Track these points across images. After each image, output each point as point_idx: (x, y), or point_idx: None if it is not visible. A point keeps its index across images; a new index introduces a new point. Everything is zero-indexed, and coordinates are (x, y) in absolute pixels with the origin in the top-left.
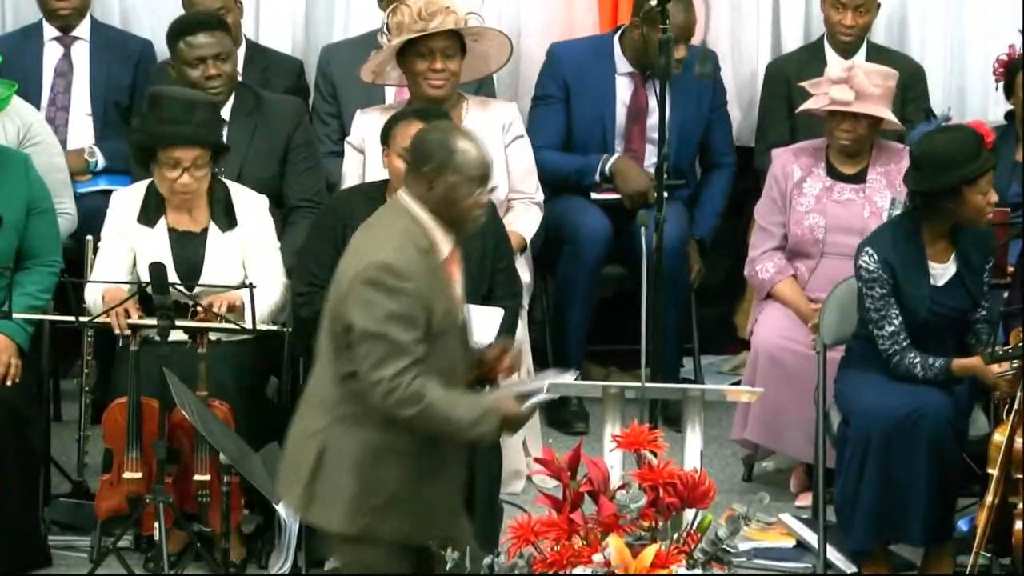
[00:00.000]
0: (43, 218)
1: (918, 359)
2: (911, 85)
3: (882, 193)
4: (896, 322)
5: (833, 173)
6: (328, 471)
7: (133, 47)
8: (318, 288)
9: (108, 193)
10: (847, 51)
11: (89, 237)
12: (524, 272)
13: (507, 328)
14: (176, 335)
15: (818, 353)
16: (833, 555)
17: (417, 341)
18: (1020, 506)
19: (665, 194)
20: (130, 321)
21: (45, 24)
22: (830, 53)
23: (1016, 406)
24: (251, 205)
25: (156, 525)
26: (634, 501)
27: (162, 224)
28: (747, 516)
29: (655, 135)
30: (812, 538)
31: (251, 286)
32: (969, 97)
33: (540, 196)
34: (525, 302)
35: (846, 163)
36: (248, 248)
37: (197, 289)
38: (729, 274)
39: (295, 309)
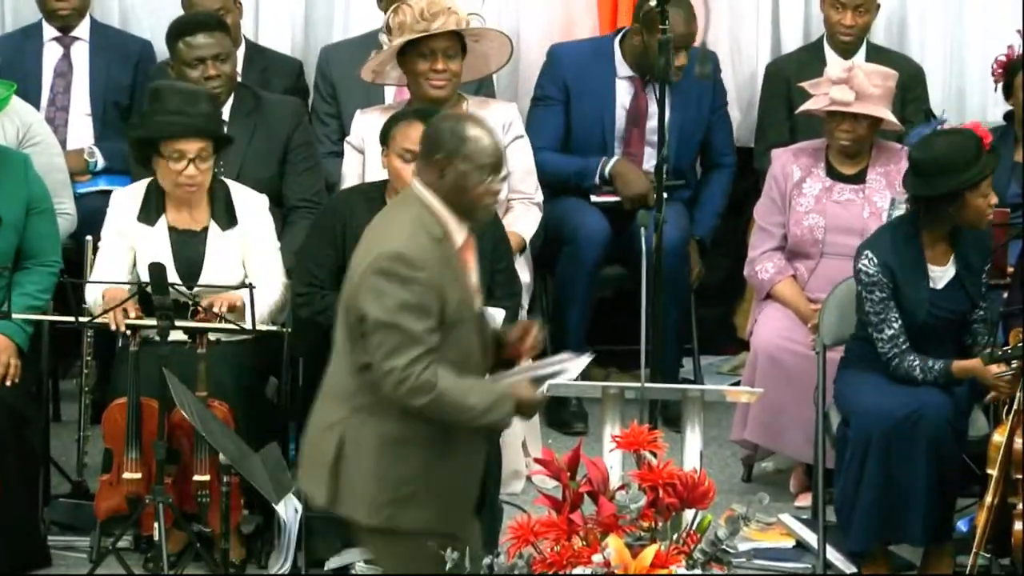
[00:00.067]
0: (42, 218)
1: (917, 362)
2: (911, 86)
3: (882, 193)
4: (896, 325)
5: (833, 173)
6: (348, 463)
7: (133, 47)
8: (317, 288)
9: (108, 193)
10: (847, 51)
11: (89, 237)
12: (523, 272)
13: None
14: (176, 335)
15: (818, 353)
16: (833, 555)
17: (430, 330)
18: (1019, 506)
19: (665, 195)
20: (129, 321)
21: (45, 24)
22: (830, 53)
23: (1015, 406)
24: (251, 204)
25: (156, 525)
26: (634, 501)
27: (162, 223)
28: (747, 516)
29: (654, 138)
30: (812, 538)
31: (250, 286)
32: (968, 98)
33: (540, 196)
34: (524, 302)
35: (846, 163)
36: (248, 247)
37: (197, 289)
38: (729, 274)
39: (294, 309)
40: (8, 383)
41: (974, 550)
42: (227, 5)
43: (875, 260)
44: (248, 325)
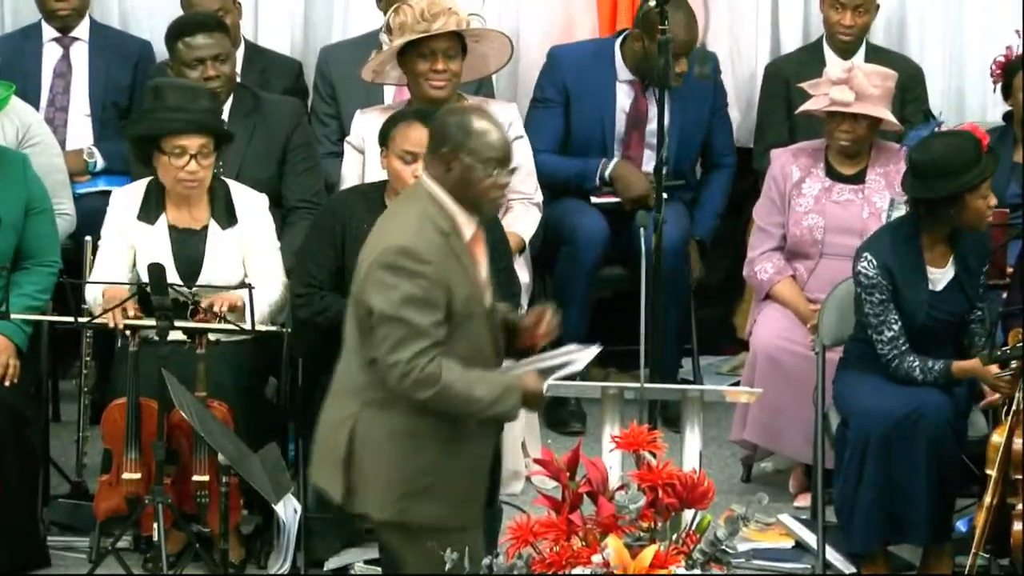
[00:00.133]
0: (41, 218)
1: (917, 363)
2: (910, 86)
3: (881, 194)
4: (895, 327)
5: (832, 174)
6: (360, 458)
7: (132, 48)
8: (316, 289)
9: (107, 194)
10: (846, 52)
11: (88, 237)
12: (523, 273)
13: None
14: (175, 335)
15: (817, 354)
16: (832, 556)
17: (436, 324)
18: (1019, 507)
19: (665, 195)
20: (129, 321)
21: (44, 25)
22: (829, 54)
23: (1015, 407)
24: (251, 204)
25: (155, 526)
26: (633, 502)
27: (162, 221)
28: (746, 517)
29: (654, 141)
30: (811, 539)
31: (250, 287)
32: (968, 98)
33: (539, 197)
34: (524, 303)
35: (845, 164)
36: (248, 246)
37: (196, 288)
38: (728, 275)
39: (293, 310)
40: (7, 383)
41: (973, 550)
42: (226, 6)
43: (874, 262)
44: (248, 325)
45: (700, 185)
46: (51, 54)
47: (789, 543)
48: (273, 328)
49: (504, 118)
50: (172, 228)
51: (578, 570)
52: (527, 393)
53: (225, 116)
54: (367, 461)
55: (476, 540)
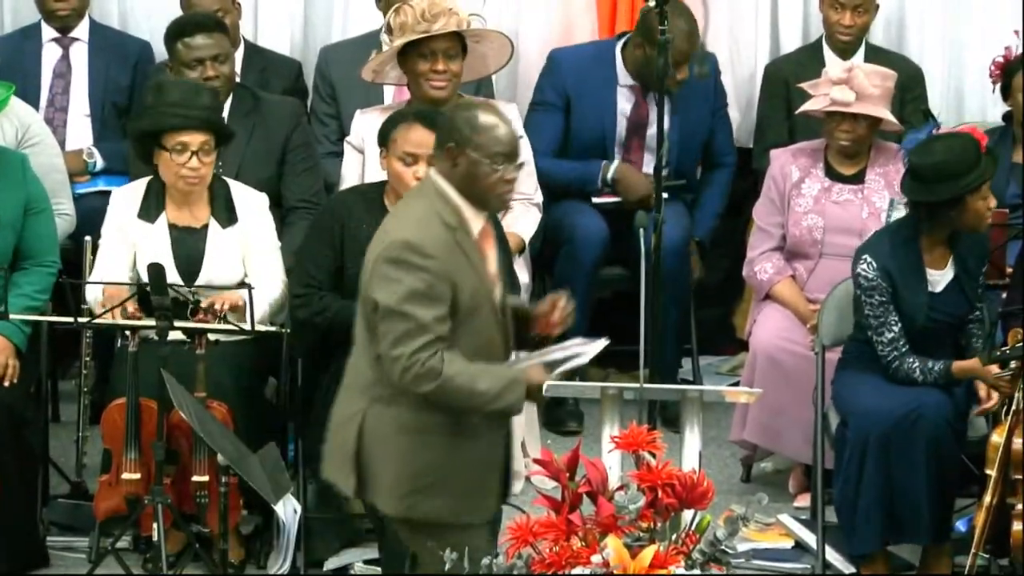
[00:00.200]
0: (40, 218)
1: (917, 364)
2: (910, 87)
3: (880, 194)
4: (895, 328)
5: (831, 174)
6: (369, 453)
7: (132, 48)
8: (315, 289)
9: (106, 194)
10: (845, 52)
11: (88, 238)
12: (522, 273)
13: None
14: (175, 334)
15: (817, 354)
16: (832, 556)
17: (440, 319)
18: (1018, 507)
19: (666, 195)
20: (128, 321)
21: (44, 25)
22: (828, 54)
23: (1014, 407)
24: (252, 203)
25: (155, 526)
26: (632, 502)
27: (162, 220)
28: (745, 517)
29: (655, 145)
30: (811, 539)
31: (249, 287)
32: (967, 99)
33: (539, 197)
34: None
35: (845, 164)
36: (248, 246)
37: (196, 288)
38: (728, 275)
39: (292, 311)
40: (7, 383)
41: (973, 550)
42: (226, 6)
43: (874, 264)
44: (247, 325)
45: (700, 185)
46: (51, 54)
47: (789, 543)
48: (272, 328)
49: None
50: (172, 227)
51: (578, 570)
52: (532, 386)
53: (224, 116)
54: (375, 456)
55: (486, 538)
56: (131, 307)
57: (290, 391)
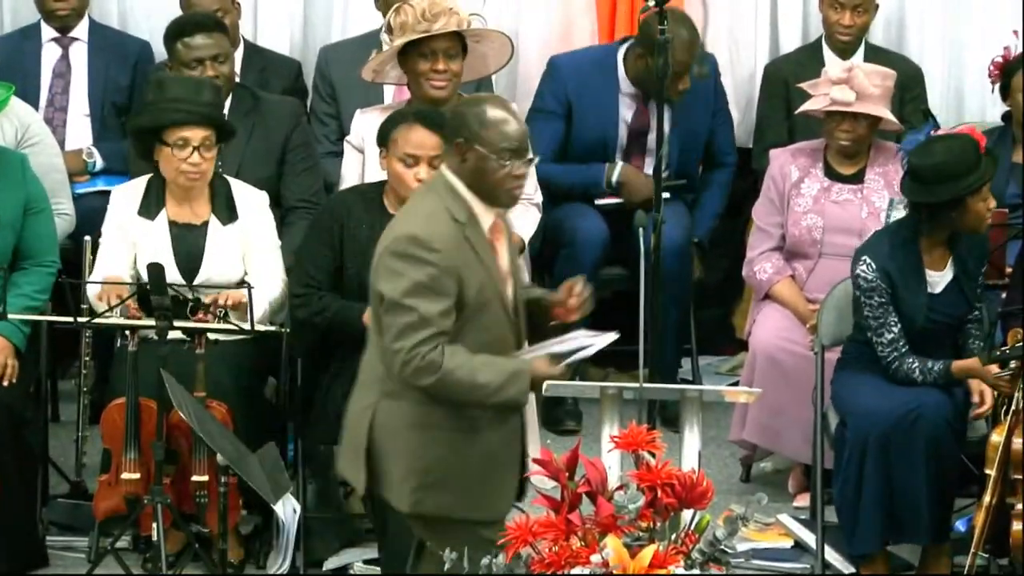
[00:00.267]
0: (40, 218)
1: (917, 364)
2: (909, 87)
3: (880, 194)
4: (895, 329)
5: (831, 174)
6: (379, 448)
7: (131, 48)
8: (314, 289)
9: (106, 194)
10: (845, 52)
11: (87, 238)
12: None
13: None
14: (174, 334)
15: (816, 354)
16: (831, 556)
17: (444, 313)
18: (1018, 507)
19: (668, 195)
20: (128, 321)
21: (43, 25)
22: (828, 54)
23: (1014, 407)
24: (252, 201)
25: (154, 526)
26: (632, 502)
27: (162, 216)
28: (745, 517)
29: (655, 150)
30: (810, 538)
31: (249, 286)
32: (967, 99)
33: (539, 197)
34: None
35: (844, 164)
36: (249, 244)
37: (196, 286)
38: (727, 275)
39: (291, 311)
40: (6, 383)
41: (972, 550)
42: (225, 6)
43: (873, 266)
44: (247, 325)
45: (700, 185)
46: (50, 54)
47: (788, 543)
48: (272, 328)
49: None
50: (172, 223)
51: (577, 570)
52: (537, 377)
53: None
54: (385, 451)
55: (498, 535)
56: (131, 307)
57: (290, 391)
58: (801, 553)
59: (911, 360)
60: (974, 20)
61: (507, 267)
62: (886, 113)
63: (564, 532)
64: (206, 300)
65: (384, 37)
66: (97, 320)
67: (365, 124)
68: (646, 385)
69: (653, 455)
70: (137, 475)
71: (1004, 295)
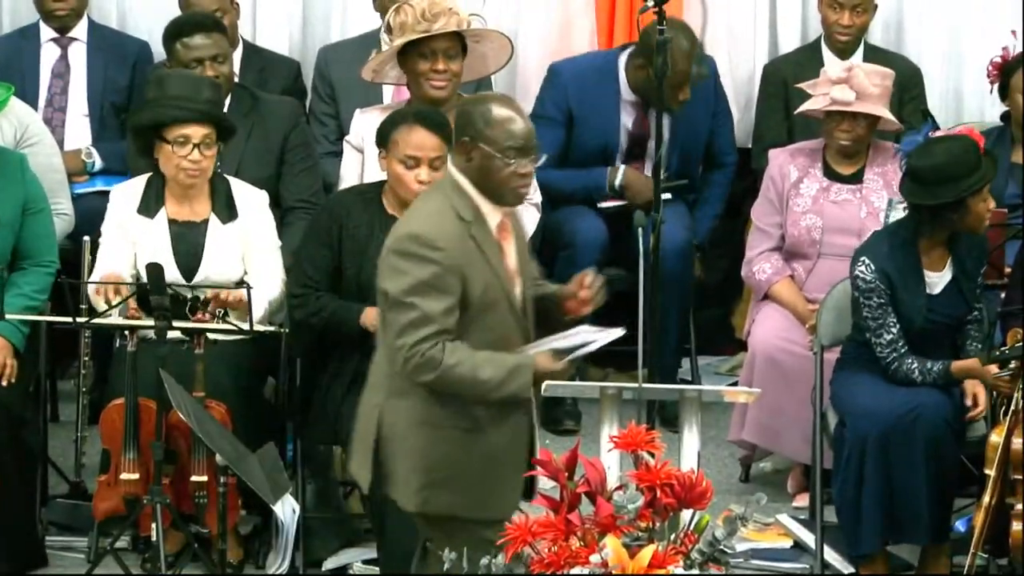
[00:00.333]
0: (39, 218)
1: (916, 365)
2: (908, 87)
3: (879, 193)
4: (894, 330)
5: (830, 174)
6: (386, 447)
7: (130, 48)
8: (312, 290)
9: (105, 194)
10: (844, 52)
11: (87, 238)
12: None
13: None
14: (174, 334)
15: (815, 354)
16: (831, 556)
17: (446, 311)
18: (1017, 507)
19: (669, 196)
20: (126, 322)
21: (42, 25)
22: (827, 54)
23: (1013, 407)
24: (252, 200)
25: (153, 526)
26: (631, 502)
27: (162, 215)
28: (744, 517)
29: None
30: (809, 539)
31: (248, 286)
32: (966, 99)
33: (538, 197)
34: None
35: (843, 163)
36: (249, 243)
37: (195, 285)
38: (726, 275)
39: (290, 311)
40: (5, 383)
41: (972, 550)
42: (224, 6)
43: (872, 267)
44: (246, 325)
45: (700, 185)
46: (49, 54)
47: (787, 543)
48: (271, 328)
49: None
50: (172, 222)
51: (576, 570)
52: (539, 372)
53: None
54: (392, 450)
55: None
56: (130, 307)
57: (289, 391)
58: (800, 553)
59: (910, 361)
60: (973, 20)
61: (515, 267)
62: (886, 113)
63: (563, 532)
64: (208, 295)
65: (384, 37)
66: (96, 320)
67: (364, 124)
68: (645, 385)
69: (652, 455)
70: (136, 475)
71: (1003, 295)
